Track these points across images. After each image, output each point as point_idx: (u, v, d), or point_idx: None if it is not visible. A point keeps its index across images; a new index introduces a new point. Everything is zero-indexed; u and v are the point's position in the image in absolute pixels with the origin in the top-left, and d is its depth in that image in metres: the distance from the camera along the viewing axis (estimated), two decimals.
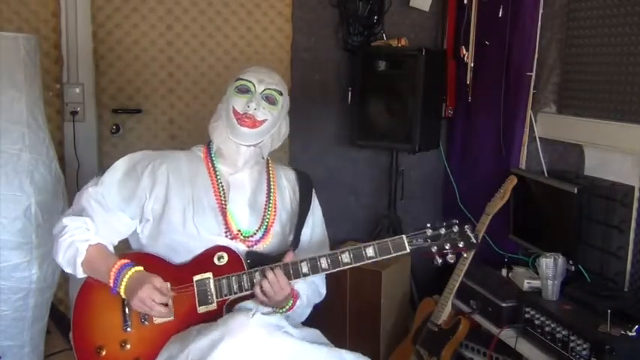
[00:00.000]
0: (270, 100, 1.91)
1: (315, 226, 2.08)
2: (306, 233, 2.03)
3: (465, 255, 1.82)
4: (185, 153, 2.01)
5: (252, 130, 1.89)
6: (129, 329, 1.81)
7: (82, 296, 1.87)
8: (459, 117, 3.33)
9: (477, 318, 2.54)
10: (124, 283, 1.76)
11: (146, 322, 1.81)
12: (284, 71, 3.45)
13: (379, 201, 3.48)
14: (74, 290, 1.92)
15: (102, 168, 1.99)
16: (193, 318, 1.80)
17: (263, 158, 2.01)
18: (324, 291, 2.08)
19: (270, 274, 1.78)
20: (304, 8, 3.44)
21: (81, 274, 1.85)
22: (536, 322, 2.25)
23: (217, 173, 1.95)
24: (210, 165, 1.96)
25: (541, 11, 2.72)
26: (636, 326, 1.98)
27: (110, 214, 1.88)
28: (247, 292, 1.81)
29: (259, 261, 1.85)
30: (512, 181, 2.63)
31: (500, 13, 2.89)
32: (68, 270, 1.87)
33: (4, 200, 2.30)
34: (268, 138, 1.95)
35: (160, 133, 3.44)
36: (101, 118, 3.37)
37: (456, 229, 1.82)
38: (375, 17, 3.31)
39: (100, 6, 3.27)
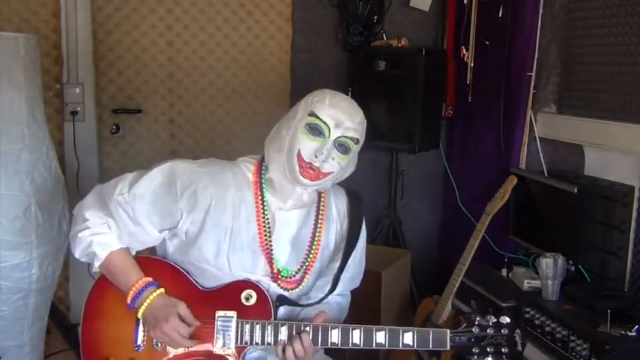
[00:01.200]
0: (344, 149, 1.65)
1: (355, 255, 1.86)
2: (348, 266, 1.82)
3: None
4: (232, 173, 1.72)
5: (313, 182, 1.65)
6: (140, 350, 1.70)
7: (94, 296, 1.76)
8: (459, 117, 3.33)
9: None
10: (143, 307, 1.65)
11: (159, 347, 1.70)
12: (284, 71, 3.46)
13: (379, 201, 3.48)
14: (75, 290, 1.90)
15: (137, 172, 1.75)
16: (207, 356, 1.68)
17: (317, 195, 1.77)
18: (347, 307, 1.96)
19: (296, 344, 1.60)
20: (304, 8, 3.44)
21: (96, 269, 1.74)
22: (536, 322, 2.25)
23: (265, 205, 1.70)
24: (259, 194, 1.70)
25: (541, 11, 2.72)
26: (636, 326, 1.98)
27: (138, 227, 1.70)
28: (268, 346, 1.66)
29: (287, 303, 1.72)
30: (512, 181, 2.63)
31: (500, 13, 2.89)
32: (84, 260, 1.76)
33: (4, 200, 2.30)
34: (330, 182, 1.72)
35: (160, 133, 3.44)
36: (101, 118, 3.37)
37: (504, 331, 1.63)
38: (375, 17, 3.32)
39: (100, 6, 3.27)
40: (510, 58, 2.86)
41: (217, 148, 3.48)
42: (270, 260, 1.70)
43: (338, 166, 1.66)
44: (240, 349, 1.66)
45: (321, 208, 1.78)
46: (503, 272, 2.62)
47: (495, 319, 1.64)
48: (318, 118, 1.63)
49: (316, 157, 1.62)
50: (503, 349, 1.61)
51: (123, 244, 1.72)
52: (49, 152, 2.46)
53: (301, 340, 1.60)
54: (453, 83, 3.30)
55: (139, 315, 1.67)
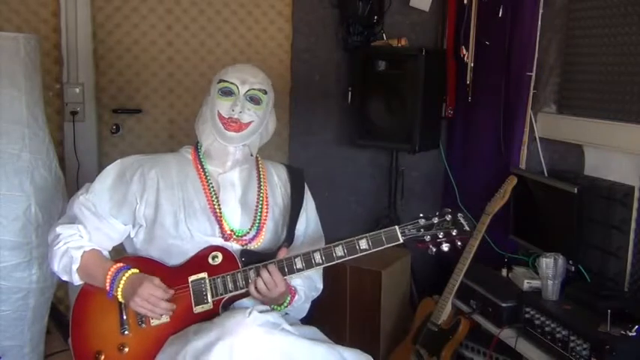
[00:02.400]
0: (255, 101, 1.90)
1: (309, 221, 2.07)
2: (300, 229, 2.02)
3: (459, 244, 1.80)
4: (174, 156, 2.00)
5: (238, 133, 1.89)
6: (126, 332, 1.81)
7: (78, 304, 1.87)
8: (459, 117, 3.32)
9: (476, 318, 2.53)
10: (120, 286, 1.77)
11: (143, 325, 1.81)
12: (284, 71, 3.46)
13: (379, 201, 3.48)
14: (74, 290, 1.92)
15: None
16: (190, 318, 1.80)
17: (252, 156, 1.99)
18: (321, 285, 2.06)
19: (264, 273, 1.78)
20: (304, 8, 3.44)
21: (77, 281, 1.86)
22: (536, 322, 2.24)
23: (207, 174, 1.94)
24: (200, 166, 1.95)
25: (541, 11, 2.72)
26: (636, 326, 1.98)
27: (102, 222, 1.88)
28: (243, 291, 1.81)
29: (254, 259, 1.85)
30: (512, 181, 2.63)
31: (500, 13, 2.89)
32: (64, 278, 1.88)
33: (4, 200, 2.30)
34: (256, 137, 1.95)
35: (160, 133, 3.44)
36: (101, 118, 3.37)
37: (448, 217, 1.81)
38: (375, 17, 3.31)
39: (100, 6, 3.27)
40: (510, 58, 2.86)
41: None
42: (220, 221, 1.88)
43: (255, 115, 1.90)
44: (218, 302, 1.81)
45: (261, 171, 2.02)
46: (503, 272, 2.62)
47: (438, 212, 1.83)
48: (226, 81, 1.91)
49: (233, 110, 1.87)
50: (452, 232, 1.80)
51: (95, 245, 1.88)
52: (49, 152, 2.46)
53: (268, 270, 1.77)
54: (453, 83, 3.30)
55: (119, 295, 1.78)
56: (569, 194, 2.39)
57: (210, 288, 1.80)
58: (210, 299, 1.80)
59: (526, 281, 2.44)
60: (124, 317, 1.82)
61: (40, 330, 2.52)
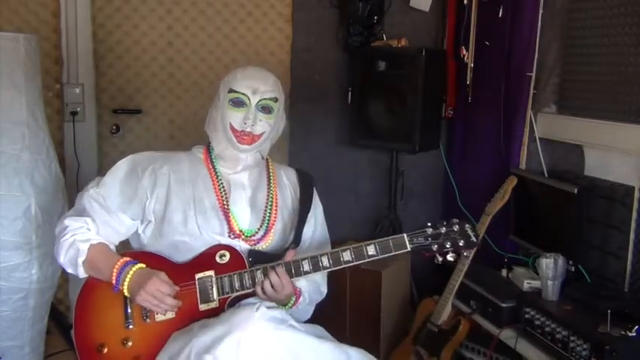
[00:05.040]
0: (267, 110, 1.89)
1: (316, 225, 2.07)
2: (307, 232, 2.02)
3: (465, 254, 1.81)
4: (186, 154, 2.00)
5: (251, 145, 1.89)
6: (131, 326, 1.81)
7: (83, 295, 1.86)
8: (459, 117, 3.33)
9: (476, 318, 2.54)
10: (127, 281, 1.77)
11: (148, 320, 1.81)
12: (284, 71, 3.45)
13: (379, 201, 3.48)
14: (74, 291, 1.92)
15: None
16: (194, 315, 1.80)
17: (263, 159, 2.00)
18: (325, 289, 2.07)
19: (272, 274, 1.78)
20: (304, 9, 3.44)
21: (82, 273, 1.85)
22: (536, 322, 2.24)
23: (218, 174, 1.94)
24: (211, 166, 1.95)
25: (541, 11, 2.72)
26: (636, 326, 1.98)
27: (111, 215, 1.88)
28: (249, 291, 1.80)
29: (261, 259, 1.85)
30: (512, 182, 2.63)
31: (500, 13, 2.89)
32: (70, 270, 1.87)
33: (4, 200, 2.30)
34: (268, 142, 1.96)
35: (160, 134, 3.44)
36: (101, 119, 3.37)
37: (456, 227, 1.81)
38: (375, 17, 3.31)
39: (100, 6, 3.27)
40: (510, 58, 2.86)
41: None
42: (229, 221, 1.88)
43: (267, 125, 1.90)
44: (224, 300, 1.81)
45: (271, 174, 2.02)
46: (503, 272, 2.62)
47: (445, 221, 1.83)
48: (236, 92, 1.88)
49: (245, 123, 1.86)
50: (459, 242, 1.80)
51: (102, 238, 1.87)
52: (49, 152, 2.46)
53: (276, 272, 1.78)
54: (453, 83, 3.30)
55: (125, 289, 1.77)
56: (569, 194, 2.39)
57: (217, 286, 1.80)
58: (215, 297, 1.80)
59: (526, 281, 2.44)
60: (129, 311, 1.81)
61: (40, 330, 2.52)
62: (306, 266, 1.81)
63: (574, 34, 2.64)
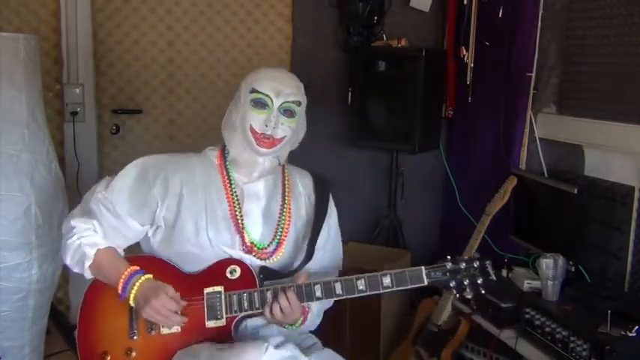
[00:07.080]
0: (289, 114, 1.80)
1: (330, 232, 1.99)
2: (320, 242, 1.92)
3: (483, 292, 1.75)
4: (198, 158, 1.90)
5: (271, 149, 1.80)
6: (135, 337, 1.76)
7: (88, 299, 1.82)
8: (459, 117, 3.33)
9: (476, 318, 2.53)
10: (133, 292, 1.72)
11: (153, 332, 1.76)
12: None
13: (379, 201, 3.48)
14: (74, 291, 1.91)
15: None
16: (201, 332, 1.75)
17: (279, 164, 1.91)
18: (332, 300, 1.98)
19: (282, 298, 1.71)
20: (304, 9, 3.44)
21: (89, 275, 1.82)
22: (537, 322, 2.24)
23: (232, 182, 1.85)
24: (225, 173, 1.86)
25: (541, 11, 2.72)
26: (636, 327, 1.98)
27: (119, 221, 1.81)
28: (257, 312, 1.75)
29: (272, 277, 1.79)
30: (512, 182, 2.63)
31: (500, 13, 2.89)
32: (76, 270, 1.83)
33: (4, 201, 2.30)
34: (287, 147, 1.88)
35: (160, 134, 3.44)
36: (101, 119, 3.37)
37: (476, 264, 1.74)
38: (375, 17, 3.32)
39: (100, 7, 3.27)
40: (510, 58, 2.86)
41: None
42: (241, 233, 1.81)
43: (288, 129, 1.81)
44: (232, 319, 1.75)
45: (287, 182, 1.93)
46: (503, 272, 2.62)
47: (466, 257, 1.76)
48: (259, 92, 1.79)
49: (266, 126, 1.78)
50: (478, 280, 1.72)
51: (109, 243, 1.82)
52: (49, 153, 2.46)
53: (286, 296, 1.71)
54: (453, 83, 3.30)
55: (131, 301, 1.73)
56: (569, 195, 2.39)
57: (225, 304, 1.74)
58: (223, 316, 1.74)
59: (526, 282, 2.44)
60: (134, 321, 1.77)
61: (40, 330, 2.52)
62: (318, 292, 1.73)
63: (574, 34, 2.64)
